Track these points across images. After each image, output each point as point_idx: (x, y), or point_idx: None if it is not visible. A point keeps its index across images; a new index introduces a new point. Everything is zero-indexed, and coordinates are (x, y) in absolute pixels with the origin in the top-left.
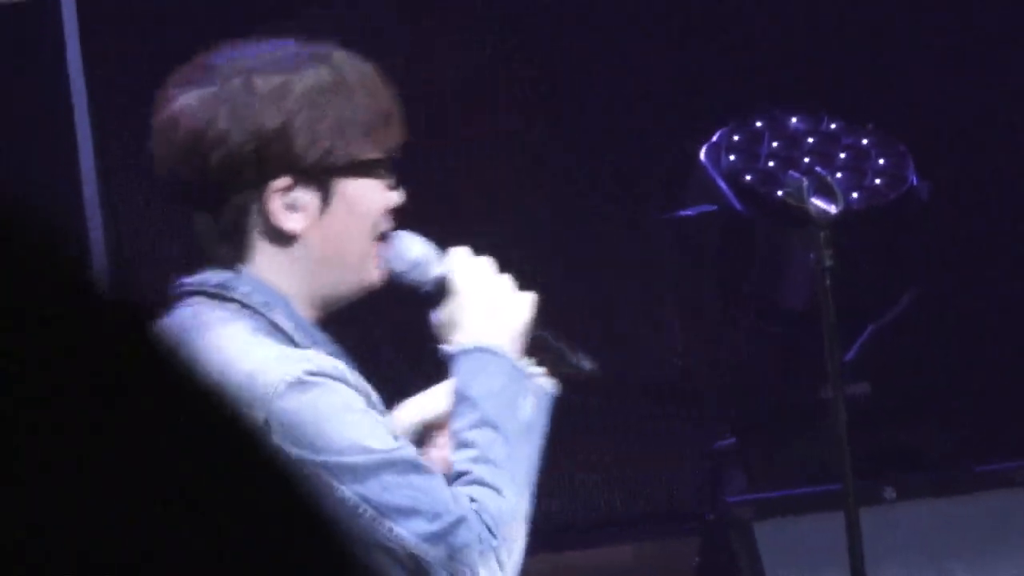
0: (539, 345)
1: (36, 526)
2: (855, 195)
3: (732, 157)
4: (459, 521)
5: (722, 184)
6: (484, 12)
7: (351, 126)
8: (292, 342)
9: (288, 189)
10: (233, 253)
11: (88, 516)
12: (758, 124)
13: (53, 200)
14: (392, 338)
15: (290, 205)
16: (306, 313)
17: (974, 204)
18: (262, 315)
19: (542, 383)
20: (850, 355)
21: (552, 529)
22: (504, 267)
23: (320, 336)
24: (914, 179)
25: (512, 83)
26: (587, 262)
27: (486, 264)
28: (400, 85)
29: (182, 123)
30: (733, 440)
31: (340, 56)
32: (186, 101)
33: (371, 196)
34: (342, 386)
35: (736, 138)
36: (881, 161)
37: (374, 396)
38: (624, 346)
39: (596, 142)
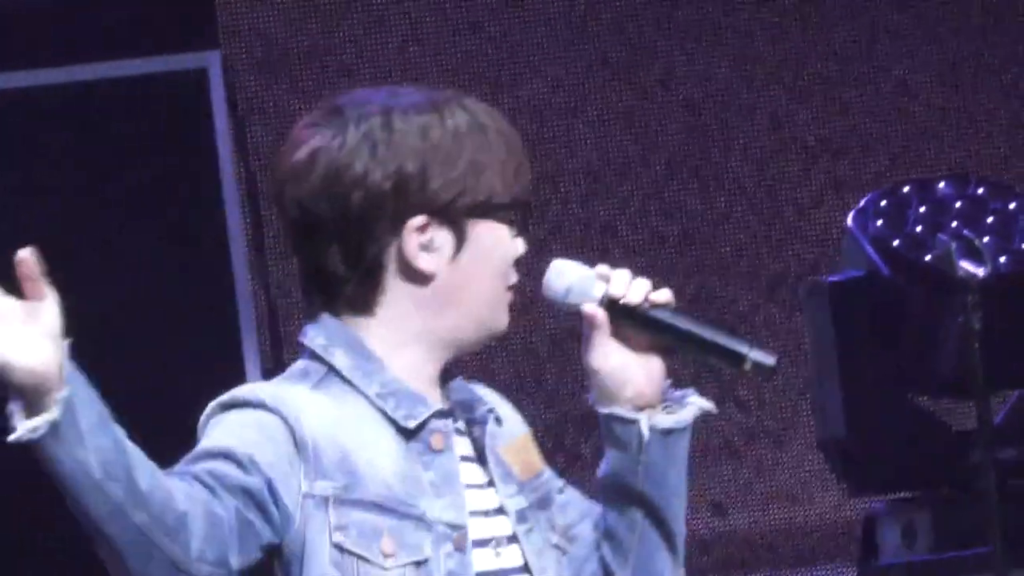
0: None
1: None
2: (1003, 259)
3: (880, 222)
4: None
5: (870, 249)
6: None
7: (485, 168)
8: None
9: (423, 229)
10: (363, 293)
11: None
12: (905, 190)
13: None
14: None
15: (424, 245)
16: (429, 356)
17: None
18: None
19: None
20: (999, 419)
21: None
22: None
23: (385, 375)
24: None
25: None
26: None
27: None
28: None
29: (320, 162)
30: (885, 504)
31: (473, 101)
32: (322, 141)
33: (502, 240)
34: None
35: (883, 203)
36: None
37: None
38: (779, 410)
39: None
